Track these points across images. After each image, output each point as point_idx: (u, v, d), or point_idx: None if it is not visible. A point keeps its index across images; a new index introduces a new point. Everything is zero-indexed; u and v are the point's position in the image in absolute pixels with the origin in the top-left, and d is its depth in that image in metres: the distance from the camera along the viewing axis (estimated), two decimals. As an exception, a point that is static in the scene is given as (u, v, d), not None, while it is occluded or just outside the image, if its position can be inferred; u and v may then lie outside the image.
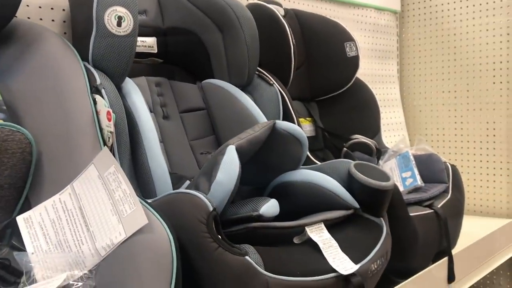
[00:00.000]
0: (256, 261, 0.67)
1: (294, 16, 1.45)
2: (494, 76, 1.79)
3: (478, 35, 1.82)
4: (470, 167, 1.85)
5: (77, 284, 0.62)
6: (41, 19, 0.99)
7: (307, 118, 1.43)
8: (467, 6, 1.84)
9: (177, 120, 1.04)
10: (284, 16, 1.38)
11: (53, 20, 1.01)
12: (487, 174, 1.81)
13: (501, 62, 1.77)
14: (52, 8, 1.01)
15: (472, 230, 1.37)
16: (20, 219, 0.68)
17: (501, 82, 1.77)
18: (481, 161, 1.83)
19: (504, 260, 1.45)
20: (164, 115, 1.02)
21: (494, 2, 1.77)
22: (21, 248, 0.66)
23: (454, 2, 1.87)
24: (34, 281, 0.62)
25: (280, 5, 1.40)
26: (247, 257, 0.66)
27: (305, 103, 1.45)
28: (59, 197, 0.68)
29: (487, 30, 1.80)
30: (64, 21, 1.02)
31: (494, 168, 1.80)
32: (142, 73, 1.03)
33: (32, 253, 0.65)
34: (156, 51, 1.08)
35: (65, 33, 1.02)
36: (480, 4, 1.81)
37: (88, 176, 0.66)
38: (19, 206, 0.74)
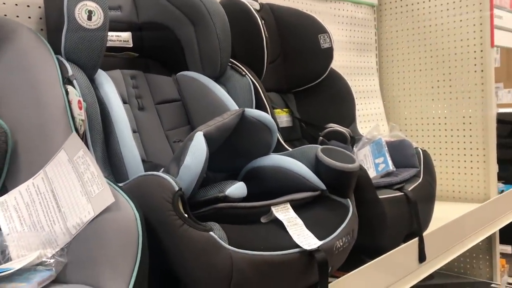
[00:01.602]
0: (221, 236, 0.71)
1: (269, 10, 1.49)
2: (468, 65, 1.83)
3: (452, 25, 1.86)
4: (448, 154, 1.89)
5: (49, 261, 0.65)
6: (17, 16, 1.02)
7: (284, 109, 1.47)
8: (442, 0, 1.89)
9: (152, 111, 1.08)
10: (259, 10, 1.42)
11: (29, 17, 1.04)
12: (464, 161, 1.86)
13: (475, 52, 1.82)
14: (28, 6, 1.04)
15: (447, 215, 1.41)
16: (-5, 203, 0.72)
17: (475, 71, 1.82)
18: (458, 148, 1.87)
19: (478, 241, 1.50)
20: (139, 107, 1.05)
21: (466, -7, 1.82)
22: (-3, 230, 0.70)
23: (429, -5, 1.92)
24: (9, 259, 0.66)
25: (255, 0, 1.44)
26: (211, 233, 0.70)
27: (282, 95, 1.49)
28: (33, 181, 0.72)
29: (461, 20, 1.84)
30: (40, 18, 1.06)
31: (471, 155, 1.84)
32: (118, 66, 1.07)
33: (8, 234, 0.69)
34: (131, 45, 1.12)
35: (41, 29, 1.05)
36: (454, 2, 1.85)
37: (59, 160, 0.70)
38: (-4, 193, 0.78)
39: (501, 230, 1.83)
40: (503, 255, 2.11)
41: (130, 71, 1.08)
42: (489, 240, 1.83)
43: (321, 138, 1.40)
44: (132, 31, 1.13)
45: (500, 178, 1.88)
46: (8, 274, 0.59)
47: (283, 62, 1.48)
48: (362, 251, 1.06)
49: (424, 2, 1.93)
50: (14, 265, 0.61)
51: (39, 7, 1.06)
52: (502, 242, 1.98)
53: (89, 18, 0.85)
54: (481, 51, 1.80)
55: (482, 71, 1.80)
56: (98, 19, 0.86)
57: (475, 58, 1.82)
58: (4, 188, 0.79)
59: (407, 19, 1.99)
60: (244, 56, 1.25)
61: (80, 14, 0.85)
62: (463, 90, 1.86)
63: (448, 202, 1.84)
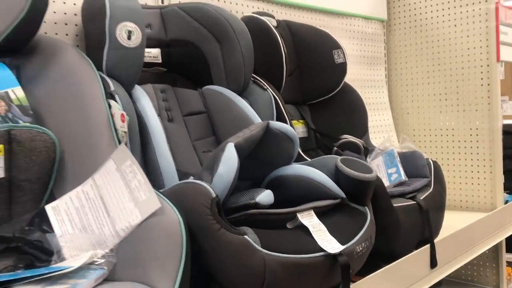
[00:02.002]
0: (254, 240, 0.77)
1: (286, 26, 1.56)
2: (475, 79, 1.90)
3: (460, 41, 1.93)
4: (456, 165, 1.95)
5: (100, 261, 0.72)
6: (56, 33, 1.10)
7: (300, 120, 1.54)
8: (449, 14, 1.96)
9: (180, 122, 1.15)
10: (276, 27, 1.49)
11: (67, 35, 1.12)
12: (472, 172, 1.92)
13: (481, 66, 1.89)
14: (66, 24, 1.11)
15: (456, 223, 1.47)
16: (48, 208, 0.78)
17: (482, 85, 1.88)
18: (465, 159, 1.93)
19: (485, 249, 1.56)
20: (169, 118, 1.12)
21: (473, 10, 1.89)
22: (51, 232, 0.76)
23: (437, 11, 1.99)
24: (63, 259, 0.73)
25: (272, 17, 1.51)
26: (245, 236, 0.76)
27: (298, 107, 1.56)
28: (82, 188, 0.79)
29: (468, 36, 1.91)
30: (77, 35, 1.13)
31: (478, 166, 1.91)
32: (149, 81, 1.14)
33: (60, 236, 0.75)
34: (160, 61, 1.19)
35: (77, 45, 1.12)
36: (461, 12, 1.93)
37: (107, 169, 0.77)
38: (45, 198, 0.85)
39: (507, 239, 1.89)
40: (509, 263, 2.16)
41: (160, 85, 1.15)
42: (496, 248, 1.89)
43: (335, 148, 1.46)
44: (161, 47, 1.20)
45: (505, 188, 1.94)
46: (69, 271, 0.66)
47: (299, 76, 1.55)
48: (378, 256, 1.12)
49: (432, 18, 2.01)
50: (72, 264, 0.67)
51: (76, 25, 1.13)
52: (508, 250, 2.04)
53: (129, 37, 0.92)
54: (488, 65, 1.87)
55: (488, 84, 1.87)
56: (136, 38, 0.93)
57: (481, 72, 1.89)
58: (52, 195, 0.86)
59: (415, 34, 2.06)
60: (264, 71, 1.32)
61: (121, 34, 0.92)
62: (470, 103, 1.92)
63: (456, 211, 1.90)
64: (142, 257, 0.69)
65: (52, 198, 0.85)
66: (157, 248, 0.69)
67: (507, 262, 2.01)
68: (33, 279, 0.64)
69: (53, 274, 0.64)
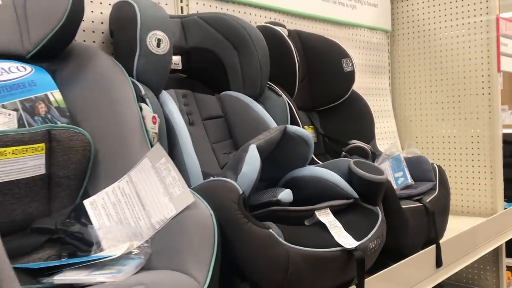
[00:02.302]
0: (278, 233, 0.83)
1: (296, 35, 1.63)
2: (476, 88, 1.97)
3: (461, 51, 2.01)
4: (457, 171, 2.02)
5: (137, 251, 0.78)
6: (84, 40, 1.16)
7: (310, 126, 1.60)
8: (451, 26, 2.03)
9: (200, 126, 1.21)
10: (287, 36, 1.56)
11: (94, 42, 1.18)
12: (473, 178, 1.98)
13: (482, 76, 1.96)
14: (93, 32, 1.18)
15: (458, 227, 1.53)
16: (86, 203, 0.84)
17: (483, 94, 1.96)
18: (467, 166, 2.00)
19: (487, 252, 1.62)
20: (190, 122, 1.18)
21: (475, 22, 1.97)
22: (89, 224, 0.82)
23: (440, 22, 2.06)
24: (102, 249, 0.78)
25: (284, 26, 1.58)
26: (270, 230, 0.82)
27: (307, 113, 1.62)
28: (118, 184, 0.85)
29: (469, 47, 1.99)
30: (103, 42, 1.19)
31: (479, 172, 1.97)
32: (170, 86, 1.20)
33: (98, 229, 0.81)
34: (180, 67, 1.25)
35: (104, 52, 1.19)
36: (463, 24, 2.00)
37: (142, 167, 0.83)
38: (80, 194, 0.91)
39: (507, 244, 1.95)
40: (509, 267, 2.22)
41: (182, 91, 1.21)
42: (496, 252, 1.95)
43: (344, 153, 1.53)
44: (181, 54, 1.26)
45: (505, 196, 2.00)
46: (112, 259, 0.71)
47: (309, 83, 1.62)
48: (386, 255, 1.18)
49: (434, 29, 2.08)
50: (115, 252, 0.73)
51: (102, 32, 1.19)
52: (508, 255, 2.10)
53: (158, 45, 0.99)
54: (488, 75, 1.94)
55: (489, 93, 1.94)
56: (165, 46, 1.00)
57: (482, 81, 1.96)
58: (86, 192, 0.92)
59: (419, 44, 2.13)
60: (277, 78, 1.38)
61: (151, 42, 0.98)
62: (471, 111, 1.99)
63: (458, 216, 1.96)
64: (177, 248, 0.75)
65: (86, 194, 0.91)
66: (191, 239, 0.75)
67: (507, 266, 2.07)
68: (80, 265, 0.69)
69: (98, 260, 0.70)
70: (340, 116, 1.63)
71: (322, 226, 0.94)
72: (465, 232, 1.47)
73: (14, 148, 0.79)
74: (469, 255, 1.49)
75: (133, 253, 0.77)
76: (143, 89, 0.97)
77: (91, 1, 1.17)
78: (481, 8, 1.95)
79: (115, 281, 0.65)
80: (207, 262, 0.73)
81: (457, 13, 2.01)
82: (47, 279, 0.65)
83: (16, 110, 0.85)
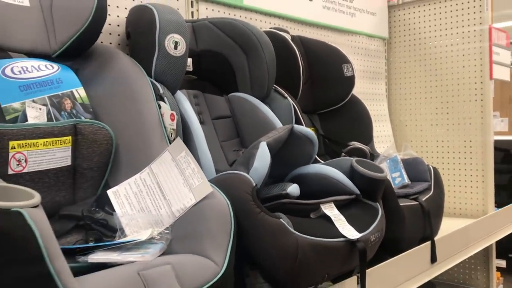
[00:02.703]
0: (288, 223, 0.89)
1: (299, 41, 1.70)
2: (469, 95, 2.06)
3: (455, 59, 2.09)
4: (450, 175, 2.10)
5: (158, 237, 0.83)
6: (101, 42, 1.22)
7: (311, 128, 1.67)
8: (446, 34, 2.12)
9: (210, 125, 1.27)
10: (291, 41, 1.63)
11: (110, 43, 1.24)
12: (465, 181, 2.06)
13: (475, 83, 2.04)
14: (110, 34, 1.24)
15: (451, 226, 1.60)
16: (110, 192, 0.90)
17: (476, 101, 2.04)
18: (459, 169, 2.08)
19: (478, 250, 1.69)
20: (200, 121, 1.25)
21: (469, 31, 2.05)
22: (112, 212, 0.88)
23: (435, 31, 2.15)
24: (125, 235, 0.84)
25: (287, 32, 1.65)
26: (281, 220, 0.89)
27: (309, 115, 1.69)
28: (140, 176, 0.91)
29: (463, 55, 2.07)
30: (119, 44, 1.26)
31: (471, 176, 2.05)
32: (182, 87, 1.26)
33: (121, 217, 0.87)
34: (191, 69, 1.32)
35: (120, 53, 1.25)
36: (457, 33, 2.09)
37: (163, 159, 0.89)
38: (102, 186, 0.97)
39: (497, 245, 2.03)
40: (498, 268, 2.30)
41: (193, 91, 1.28)
42: (487, 252, 2.02)
43: (343, 154, 1.60)
44: (192, 57, 1.32)
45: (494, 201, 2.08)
46: (136, 243, 0.77)
47: (311, 87, 1.69)
48: (384, 250, 1.24)
49: (430, 37, 2.16)
50: (139, 237, 0.79)
51: (118, 34, 1.26)
52: (498, 256, 2.18)
53: (175, 47, 1.05)
54: (481, 82, 2.02)
55: (481, 100, 2.02)
56: (182, 48, 1.06)
57: (475, 89, 2.04)
58: (106, 183, 0.97)
59: (415, 52, 2.21)
60: (282, 80, 1.45)
61: (169, 44, 1.05)
62: (464, 117, 2.07)
63: (450, 217, 2.04)
64: (197, 233, 0.81)
65: (107, 185, 0.97)
66: (210, 226, 0.81)
67: (496, 267, 2.15)
68: (109, 247, 0.75)
69: (125, 244, 0.76)
70: (340, 119, 1.70)
71: (327, 219, 1.00)
72: (458, 230, 1.55)
73: (45, 140, 0.85)
74: (461, 253, 1.57)
75: (155, 239, 0.83)
76: (161, 88, 1.03)
77: (109, 5, 1.23)
78: (474, 19, 2.03)
79: (144, 260, 0.71)
80: (225, 247, 0.79)
81: (451, 22, 2.10)
82: (82, 258, 0.71)
83: (45, 105, 0.91)
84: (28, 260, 0.56)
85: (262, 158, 0.98)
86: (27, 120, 0.86)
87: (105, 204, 0.90)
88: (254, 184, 0.90)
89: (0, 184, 0.64)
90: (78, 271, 0.66)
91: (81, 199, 0.93)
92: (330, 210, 1.03)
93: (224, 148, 1.28)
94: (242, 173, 0.91)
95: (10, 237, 0.56)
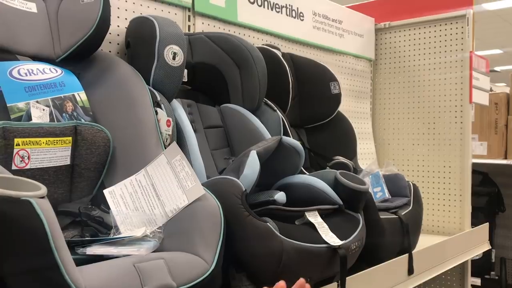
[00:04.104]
0: (274, 227, 0.95)
1: (289, 58, 1.77)
2: (450, 117, 2.14)
3: (438, 83, 2.18)
4: (430, 193, 2.17)
5: (151, 235, 0.88)
6: (101, 49, 1.27)
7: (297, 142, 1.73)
8: (429, 59, 2.21)
9: (202, 134, 1.33)
10: (282, 58, 1.70)
11: (110, 51, 1.29)
12: (443, 200, 2.13)
13: (456, 106, 2.13)
14: (110, 42, 1.29)
15: (429, 243, 1.66)
16: (106, 192, 0.95)
17: (456, 123, 2.12)
18: (438, 188, 2.15)
19: (454, 265, 1.76)
20: (193, 129, 1.30)
21: (451, 57, 2.14)
22: (108, 211, 0.92)
23: (419, 55, 2.24)
24: (120, 233, 0.88)
25: (279, 49, 1.72)
26: (268, 224, 0.94)
27: (296, 129, 1.75)
28: (135, 177, 0.95)
29: (445, 79, 2.16)
30: (118, 53, 1.31)
31: (449, 195, 2.13)
32: (177, 96, 1.31)
33: (116, 215, 0.91)
34: (186, 79, 1.37)
35: (118, 61, 1.30)
36: (440, 58, 2.18)
37: (159, 162, 0.94)
38: (97, 186, 1.01)
39: (472, 264, 2.10)
40: (474, 286, 2.36)
41: (187, 101, 1.33)
42: (462, 269, 2.09)
43: (328, 167, 1.66)
44: (187, 68, 1.38)
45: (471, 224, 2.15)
46: (133, 238, 0.82)
47: (299, 102, 1.75)
48: (364, 260, 1.30)
49: (414, 61, 2.26)
50: (134, 234, 0.83)
51: (118, 43, 1.31)
52: (474, 275, 2.25)
53: (174, 58, 1.11)
54: (461, 106, 2.11)
55: (461, 123, 2.11)
56: (179, 59, 1.12)
57: (456, 111, 2.13)
58: (102, 183, 1.02)
59: (399, 74, 2.30)
60: (272, 94, 1.51)
61: (168, 55, 1.10)
62: (445, 138, 2.16)
63: (428, 234, 2.11)
64: (188, 232, 0.86)
65: (102, 186, 1.01)
66: (201, 225, 0.86)
67: (472, 285, 2.22)
68: (105, 242, 0.80)
69: (120, 239, 0.80)
70: (326, 134, 1.77)
71: (311, 226, 1.06)
72: (435, 245, 1.61)
73: (47, 139, 0.89)
74: (438, 267, 1.63)
75: (148, 237, 0.87)
76: (158, 96, 1.08)
77: (110, 15, 1.29)
78: (456, 45, 2.13)
79: (139, 254, 0.75)
80: (215, 246, 0.84)
81: (435, 47, 2.19)
82: (81, 250, 0.75)
83: (48, 106, 0.96)
84: (36, 248, 0.61)
85: (252, 165, 1.03)
86: (30, 120, 0.90)
87: (101, 203, 0.94)
88: (244, 189, 0.95)
89: (8, 176, 0.68)
90: (77, 263, 0.70)
91: (77, 198, 0.98)
92: (314, 218, 1.08)
93: (214, 156, 1.33)
94: (232, 178, 0.96)
95: (20, 224, 0.60)
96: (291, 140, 1.21)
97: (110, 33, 1.29)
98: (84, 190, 0.99)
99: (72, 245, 0.78)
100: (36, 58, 1.02)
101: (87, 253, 0.74)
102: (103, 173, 1.01)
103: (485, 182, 3.42)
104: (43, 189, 0.65)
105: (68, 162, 0.95)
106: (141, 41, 1.16)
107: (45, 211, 0.62)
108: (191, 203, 0.89)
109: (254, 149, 1.08)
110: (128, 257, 0.74)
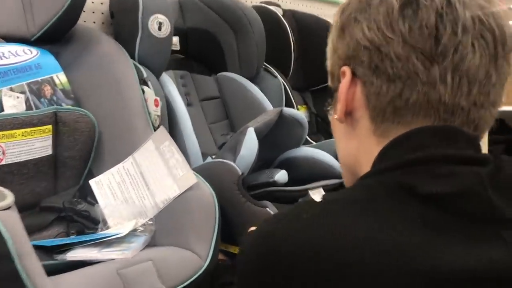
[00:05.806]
0: (274, 212, 0.88)
1: (291, 15, 1.65)
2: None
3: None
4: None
5: (142, 229, 0.82)
6: (84, 21, 1.18)
7: (303, 106, 1.64)
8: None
9: (198, 107, 1.25)
10: (282, 16, 1.58)
11: (94, 22, 1.20)
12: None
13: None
14: (93, 12, 1.19)
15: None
16: (92, 182, 0.88)
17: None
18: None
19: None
20: (188, 103, 1.22)
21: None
22: (95, 203, 0.86)
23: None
24: (108, 227, 0.83)
25: (279, 6, 1.60)
26: (267, 209, 0.87)
27: (301, 93, 1.66)
28: (123, 165, 0.89)
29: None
30: (103, 23, 1.21)
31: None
32: (169, 67, 1.23)
33: (104, 208, 0.85)
34: (178, 48, 1.28)
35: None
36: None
37: (146, 149, 0.87)
38: (84, 175, 0.94)
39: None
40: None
41: (180, 72, 1.24)
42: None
43: (336, 132, 1.57)
44: (179, 35, 1.28)
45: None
46: (120, 236, 0.76)
47: (302, 62, 1.65)
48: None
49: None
50: (121, 230, 0.77)
51: (102, 13, 1.21)
52: None
53: (159, 28, 1.01)
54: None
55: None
56: (166, 29, 1.02)
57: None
58: (90, 172, 0.95)
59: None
60: (273, 58, 1.41)
61: (152, 25, 1.01)
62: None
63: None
64: (181, 225, 0.80)
65: (90, 174, 0.95)
66: (194, 218, 0.79)
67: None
68: (90, 243, 0.74)
69: (107, 239, 0.75)
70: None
71: (316, 205, 0.99)
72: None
73: (23, 130, 0.82)
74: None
75: (138, 231, 0.82)
76: (145, 72, 1.00)
77: (91, -18, 1.18)
78: None
79: (125, 258, 0.69)
80: (209, 240, 0.78)
81: None
82: (61, 256, 0.69)
83: (23, 92, 0.88)
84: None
85: (249, 145, 0.96)
86: (3, 110, 0.83)
87: (88, 195, 0.88)
88: (240, 173, 0.88)
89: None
90: (56, 269, 0.65)
91: (62, 189, 0.91)
92: (319, 195, 1.01)
93: (212, 130, 1.25)
94: (228, 161, 0.89)
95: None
96: (292, 111, 1.12)
97: (92, 2, 1.19)
98: (70, 180, 0.92)
99: (58, 250, 0.73)
100: (7, 38, 0.93)
101: (67, 259, 0.69)
102: (89, 161, 0.94)
103: (502, 129, 3.31)
104: (8, 199, 0.59)
105: (49, 152, 0.88)
106: (123, 11, 1.06)
107: (9, 224, 0.56)
108: (183, 192, 0.82)
109: (251, 126, 1.00)
110: (112, 262, 0.69)
